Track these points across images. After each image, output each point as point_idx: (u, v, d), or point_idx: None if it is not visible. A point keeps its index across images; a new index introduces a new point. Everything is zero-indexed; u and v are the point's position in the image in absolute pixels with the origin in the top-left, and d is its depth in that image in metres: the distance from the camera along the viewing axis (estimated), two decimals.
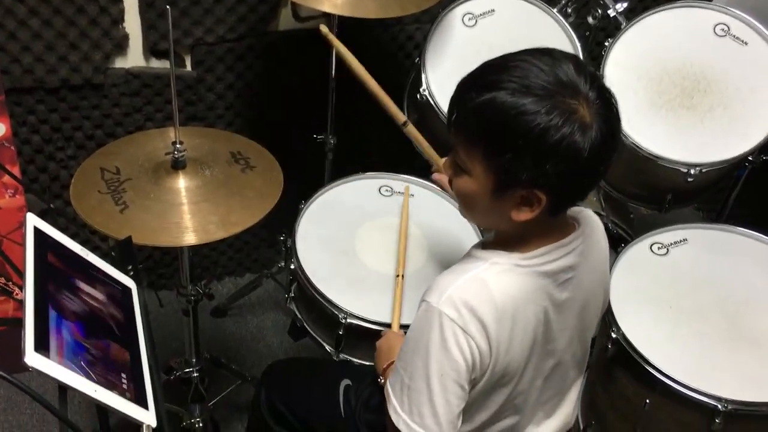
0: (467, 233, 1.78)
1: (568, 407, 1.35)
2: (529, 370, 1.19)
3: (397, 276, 1.61)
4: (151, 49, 2.08)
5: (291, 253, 1.69)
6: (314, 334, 1.71)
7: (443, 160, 1.56)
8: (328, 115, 2.04)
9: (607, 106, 1.03)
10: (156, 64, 2.12)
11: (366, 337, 1.59)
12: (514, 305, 1.10)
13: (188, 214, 1.43)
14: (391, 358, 1.34)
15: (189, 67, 2.16)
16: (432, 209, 1.83)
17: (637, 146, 1.87)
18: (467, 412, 1.17)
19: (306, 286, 1.63)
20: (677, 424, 1.64)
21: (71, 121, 2.11)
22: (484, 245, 1.20)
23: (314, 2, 1.68)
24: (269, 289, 2.57)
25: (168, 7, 1.34)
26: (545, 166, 1.01)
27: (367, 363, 1.64)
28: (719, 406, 1.51)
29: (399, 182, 1.89)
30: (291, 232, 1.72)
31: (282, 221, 1.73)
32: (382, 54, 2.34)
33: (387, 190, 1.86)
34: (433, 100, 1.83)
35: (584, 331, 1.27)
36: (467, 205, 1.16)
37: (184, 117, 2.23)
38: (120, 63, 2.06)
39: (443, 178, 1.57)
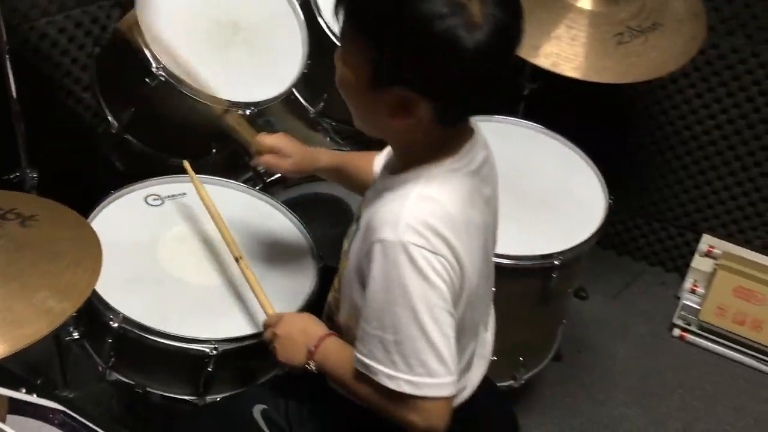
0: (263, 211, 1.60)
1: (492, 315, 1.32)
2: (482, 281, 1.13)
3: (237, 259, 1.34)
4: None
5: (99, 310, 1.31)
6: (164, 393, 1.37)
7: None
8: (19, 147, 1.56)
9: (504, 9, 0.94)
10: None
11: (238, 359, 1.35)
12: (464, 212, 1.04)
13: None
14: (312, 336, 1.15)
15: None
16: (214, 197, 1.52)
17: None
18: None
19: (145, 339, 1.29)
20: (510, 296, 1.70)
21: None
22: (394, 170, 1.08)
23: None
24: None
25: None
26: (423, 61, 0.93)
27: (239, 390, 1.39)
28: (556, 262, 1.64)
29: (161, 186, 1.57)
30: None
31: None
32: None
33: (155, 199, 1.54)
34: (170, 76, 1.53)
35: (497, 228, 1.23)
36: (347, 98, 1.05)
37: None
38: None
39: (266, 158, 1.37)
